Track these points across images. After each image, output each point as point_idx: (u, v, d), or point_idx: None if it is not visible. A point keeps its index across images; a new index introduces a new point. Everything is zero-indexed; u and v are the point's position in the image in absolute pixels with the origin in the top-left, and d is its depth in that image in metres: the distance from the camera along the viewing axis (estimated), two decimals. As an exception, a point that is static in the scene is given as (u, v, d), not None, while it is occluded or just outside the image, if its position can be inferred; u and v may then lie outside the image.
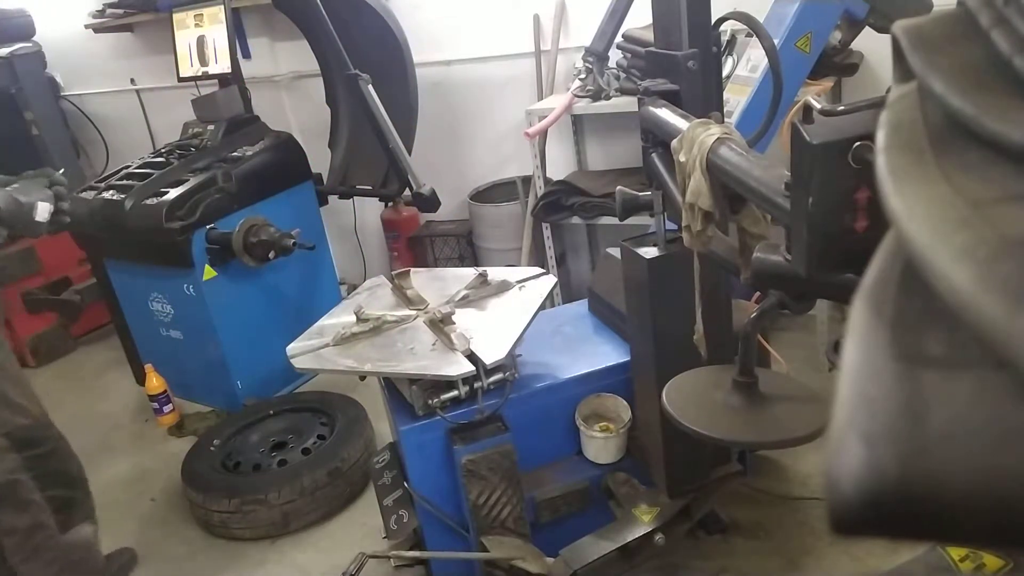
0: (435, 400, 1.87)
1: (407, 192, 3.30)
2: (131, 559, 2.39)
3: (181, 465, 2.63)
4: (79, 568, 1.81)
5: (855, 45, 2.38)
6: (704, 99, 1.46)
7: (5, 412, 1.65)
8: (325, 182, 3.60)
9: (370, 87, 3.11)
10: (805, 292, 1.10)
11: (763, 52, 1.40)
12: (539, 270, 2.31)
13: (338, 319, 2.17)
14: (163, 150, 3.19)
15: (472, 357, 1.84)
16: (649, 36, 1.96)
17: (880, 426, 0.30)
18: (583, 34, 3.02)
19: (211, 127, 3.15)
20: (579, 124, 3.46)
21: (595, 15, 2.77)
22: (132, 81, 4.45)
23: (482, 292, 2.18)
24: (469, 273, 2.28)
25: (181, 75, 3.29)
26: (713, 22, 1.47)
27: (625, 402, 2.03)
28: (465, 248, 3.69)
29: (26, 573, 1.71)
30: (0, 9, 4.10)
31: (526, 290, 2.17)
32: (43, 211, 1.64)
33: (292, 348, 2.07)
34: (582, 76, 2.89)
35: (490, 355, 1.83)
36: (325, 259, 3.44)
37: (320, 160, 3.60)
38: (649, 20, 1.64)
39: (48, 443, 1.74)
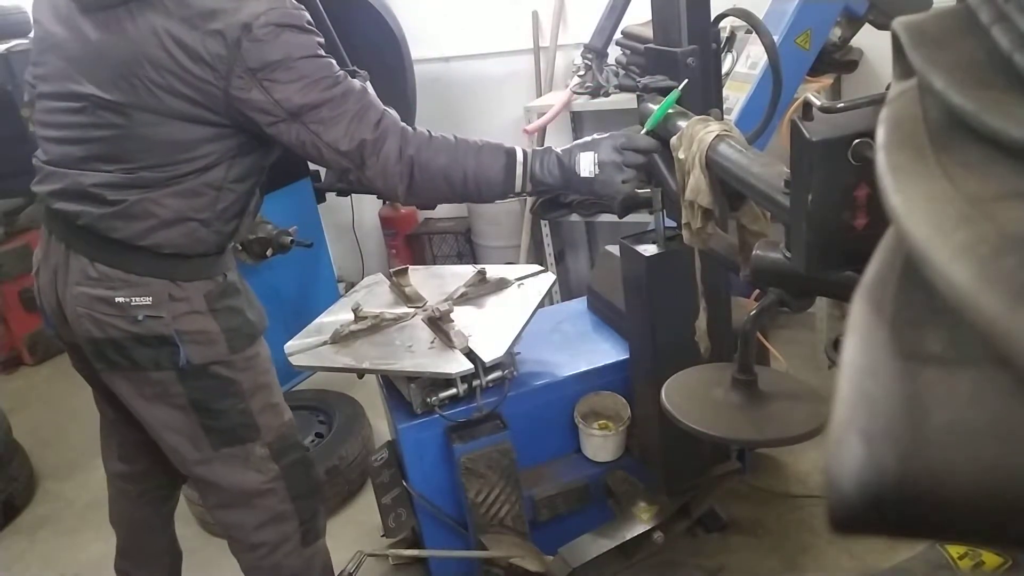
0: (433, 398, 1.87)
1: (406, 189, 3.29)
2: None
3: (179, 463, 2.62)
4: None
5: (855, 42, 2.37)
6: (703, 96, 1.46)
7: (270, 418, 1.59)
8: (323, 179, 3.60)
9: (368, 83, 3.10)
10: (805, 290, 1.10)
11: (763, 49, 1.40)
12: (538, 268, 2.31)
13: (336, 317, 2.17)
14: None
15: (470, 355, 1.84)
16: (648, 33, 1.96)
17: (880, 424, 0.30)
18: (582, 31, 3.01)
19: (209, 124, 3.14)
20: (578, 121, 3.46)
21: (594, 11, 2.77)
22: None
23: (480, 290, 2.18)
24: (467, 271, 2.27)
25: (179, 72, 3.27)
26: (712, 19, 1.47)
27: (624, 400, 2.03)
28: (463, 245, 3.69)
29: None
30: (-3, 6, 4.09)
31: (525, 288, 2.17)
32: (587, 164, 1.43)
33: (290, 346, 2.07)
34: (581, 73, 2.89)
35: (489, 353, 1.83)
36: (323, 257, 3.43)
37: (318, 157, 3.59)
38: (648, 16, 1.64)
39: (297, 451, 1.67)
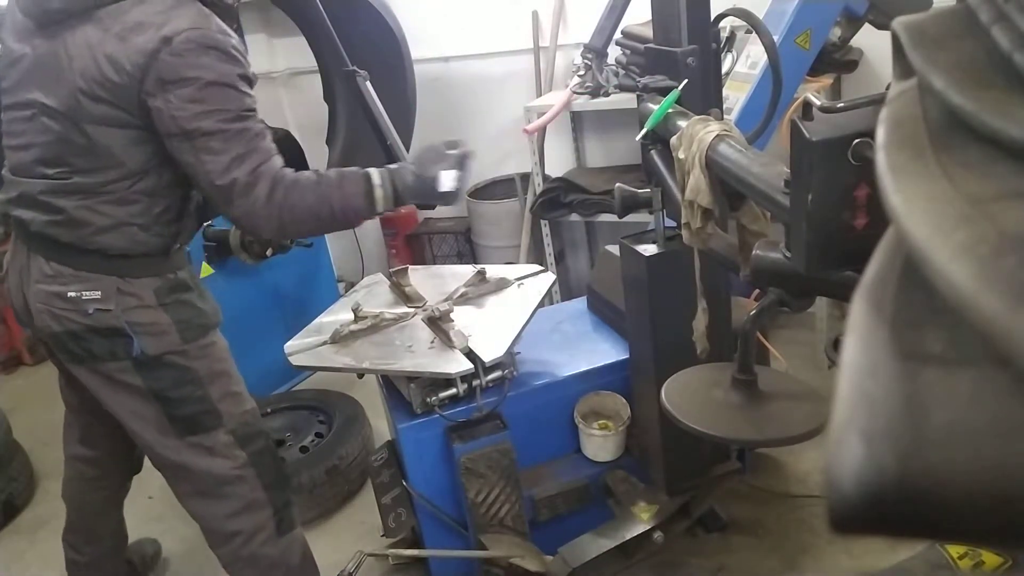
0: (433, 398, 1.87)
1: (405, 189, 3.29)
2: (156, 552, 2.39)
3: (179, 463, 2.62)
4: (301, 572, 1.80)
5: (855, 42, 2.38)
6: (703, 96, 1.46)
7: (231, 406, 1.66)
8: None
9: (368, 83, 3.10)
10: (805, 290, 1.10)
11: (762, 49, 1.40)
12: (538, 267, 2.31)
13: (336, 317, 2.17)
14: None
15: (470, 355, 1.84)
16: (648, 32, 1.96)
17: (880, 424, 0.30)
18: (582, 30, 3.01)
19: (209, 124, 3.13)
20: (578, 121, 3.46)
21: (594, 11, 2.77)
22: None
23: (480, 289, 2.18)
24: (467, 270, 2.27)
25: (179, 72, 3.27)
26: (712, 18, 1.47)
27: (624, 400, 2.03)
28: (463, 245, 3.69)
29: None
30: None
31: (525, 287, 2.17)
32: (447, 180, 1.60)
33: (290, 346, 2.07)
34: (581, 73, 2.89)
35: (488, 353, 1.83)
36: (323, 257, 3.43)
37: (318, 157, 3.59)
38: (648, 16, 1.64)
39: (262, 439, 1.73)
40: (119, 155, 1.46)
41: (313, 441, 2.62)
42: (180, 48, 1.37)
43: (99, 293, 1.52)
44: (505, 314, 2.02)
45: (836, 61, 2.46)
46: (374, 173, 1.58)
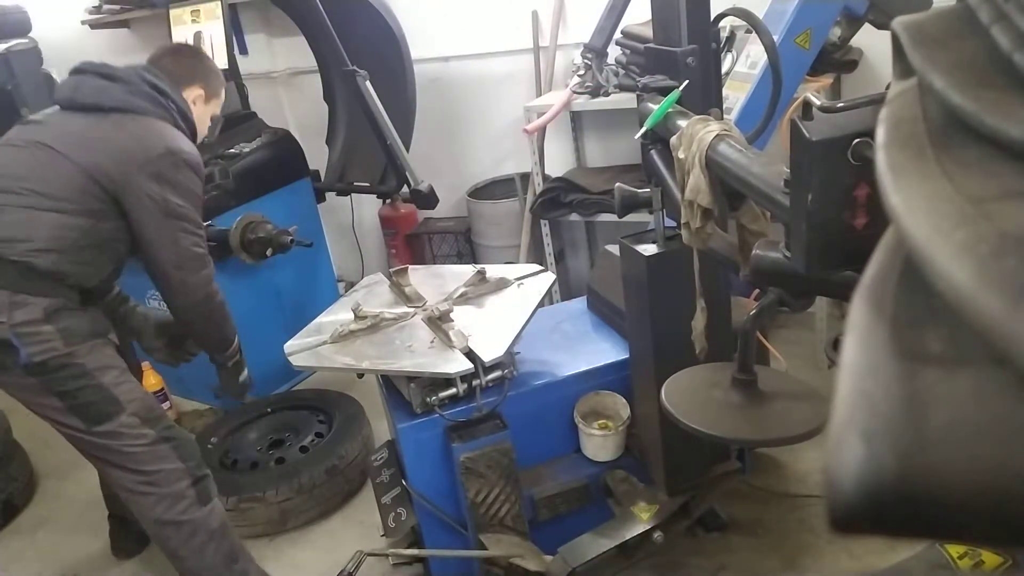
0: (433, 398, 1.87)
1: (405, 189, 3.29)
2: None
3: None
4: (222, 536, 1.93)
5: (855, 41, 2.37)
6: (703, 96, 1.46)
7: (127, 392, 1.81)
8: (323, 179, 3.59)
9: (368, 83, 3.10)
10: (804, 289, 1.10)
11: (762, 48, 1.40)
12: (538, 267, 2.30)
13: (336, 316, 2.17)
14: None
15: (470, 355, 1.84)
16: (648, 32, 1.96)
17: (880, 423, 0.30)
18: (582, 30, 3.01)
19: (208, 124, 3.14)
20: (578, 120, 3.46)
21: (594, 11, 2.77)
22: (129, 78, 4.44)
23: (480, 289, 2.17)
24: (467, 270, 2.27)
25: (178, 72, 3.28)
26: (712, 18, 1.47)
27: (624, 400, 2.03)
28: (463, 245, 3.69)
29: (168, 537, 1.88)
30: (-4, 6, 4.10)
31: (524, 287, 2.17)
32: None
33: (290, 345, 2.07)
34: (581, 72, 2.89)
35: (488, 352, 1.83)
36: (323, 256, 3.43)
37: (318, 157, 3.59)
38: (648, 16, 1.64)
39: (169, 422, 1.92)
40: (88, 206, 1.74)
41: (313, 441, 2.62)
42: (182, 160, 1.81)
43: None
44: (505, 314, 2.02)
45: (836, 61, 2.45)
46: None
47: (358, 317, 2.05)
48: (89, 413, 1.76)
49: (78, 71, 1.86)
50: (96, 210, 1.75)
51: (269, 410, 2.83)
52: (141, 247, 1.83)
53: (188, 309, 1.91)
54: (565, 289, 3.58)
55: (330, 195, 3.65)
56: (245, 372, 2.23)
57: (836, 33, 2.21)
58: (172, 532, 1.87)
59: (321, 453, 2.52)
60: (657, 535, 1.91)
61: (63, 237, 1.72)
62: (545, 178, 3.22)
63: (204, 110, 2.04)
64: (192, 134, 1.96)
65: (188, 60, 2.02)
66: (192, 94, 1.99)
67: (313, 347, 2.03)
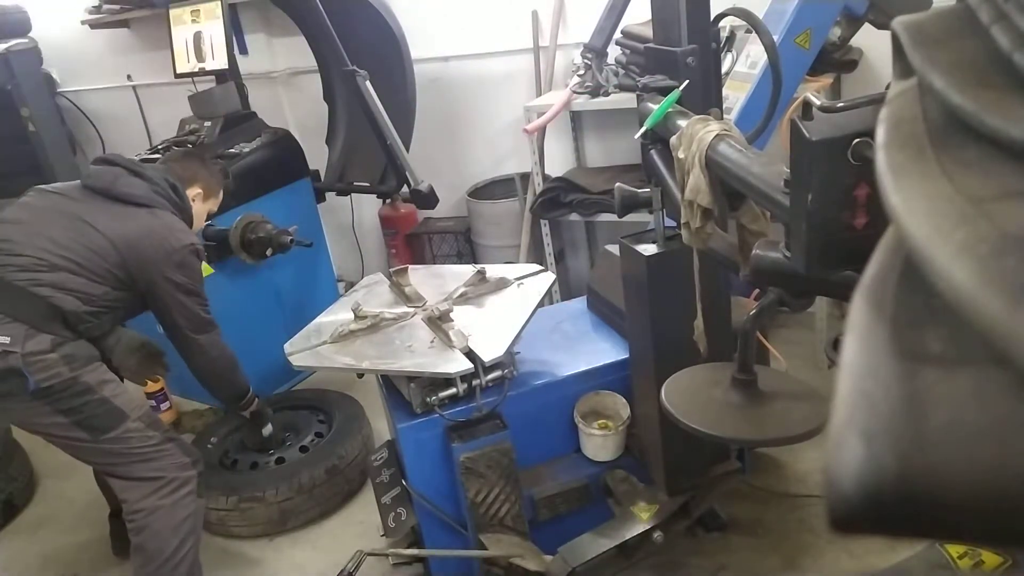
0: (433, 398, 1.87)
1: (405, 189, 3.29)
2: None
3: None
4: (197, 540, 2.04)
5: (854, 41, 2.37)
6: (703, 95, 1.46)
7: (127, 401, 1.95)
8: (323, 179, 3.59)
9: (368, 83, 3.10)
10: (804, 289, 1.10)
11: (762, 48, 1.40)
12: (537, 267, 2.30)
13: (336, 316, 2.17)
14: (160, 147, 3.18)
15: (470, 354, 1.84)
16: (648, 32, 1.96)
17: (880, 423, 0.30)
18: (582, 30, 3.01)
19: (208, 123, 3.14)
20: (578, 120, 3.46)
21: (594, 11, 2.77)
22: (129, 77, 4.44)
23: (480, 289, 2.17)
24: (467, 270, 2.27)
25: (178, 71, 3.27)
26: (712, 18, 1.47)
27: (624, 399, 2.03)
28: (463, 245, 3.69)
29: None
30: (-4, 5, 4.10)
31: (524, 287, 2.17)
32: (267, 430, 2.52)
33: (290, 345, 2.07)
34: (581, 72, 2.89)
35: (488, 352, 1.83)
36: (323, 256, 3.43)
37: (317, 157, 3.59)
38: (648, 16, 1.64)
39: (168, 429, 2.09)
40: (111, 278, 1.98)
41: (313, 441, 2.62)
42: (194, 251, 2.09)
43: (8, 338, 1.79)
44: (505, 314, 2.02)
45: (836, 61, 2.45)
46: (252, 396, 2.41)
47: (358, 317, 2.05)
48: (95, 425, 1.89)
49: (109, 162, 2.13)
50: (116, 283, 2.00)
51: (270, 410, 2.83)
52: (165, 319, 2.11)
53: (207, 364, 2.18)
54: (565, 289, 3.58)
55: (330, 195, 3.65)
56: (269, 427, 2.51)
57: (836, 33, 2.21)
58: (168, 512, 1.95)
59: (321, 453, 2.52)
60: (657, 535, 1.91)
61: (88, 293, 1.93)
62: (545, 178, 3.22)
63: (202, 207, 2.35)
64: (189, 226, 2.25)
65: (193, 164, 2.35)
66: (192, 192, 2.29)
67: (313, 347, 2.03)
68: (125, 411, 1.92)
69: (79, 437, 1.89)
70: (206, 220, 2.44)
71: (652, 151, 1.51)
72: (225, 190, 2.50)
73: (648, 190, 1.57)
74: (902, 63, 0.41)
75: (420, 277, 2.34)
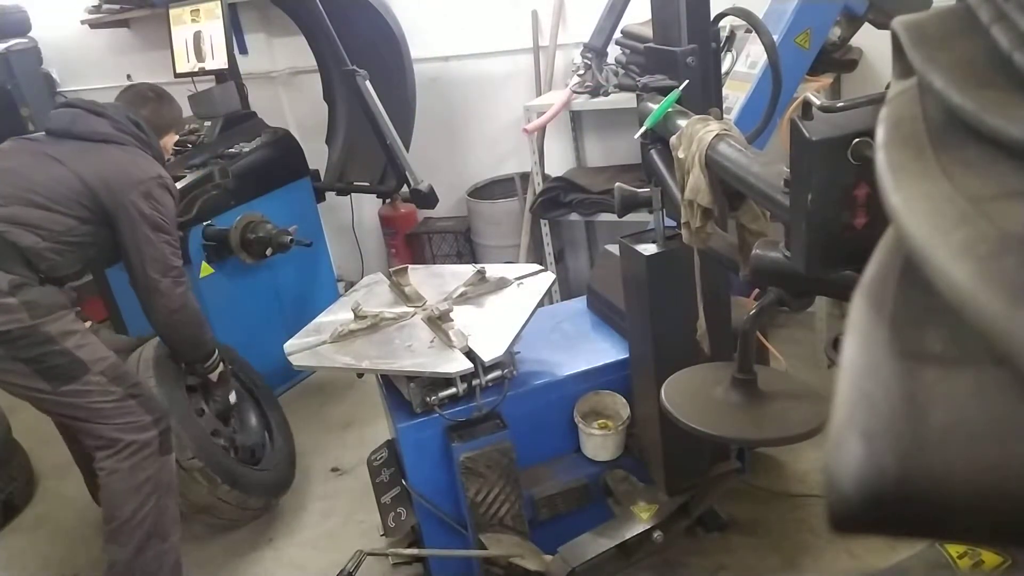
0: (433, 397, 1.87)
1: (405, 189, 3.29)
2: None
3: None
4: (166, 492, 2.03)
5: (854, 41, 2.37)
6: (703, 95, 1.46)
7: (91, 353, 1.93)
8: (323, 178, 3.59)
9: (368, 83, 3.10)
10: (804, 289, 1.10)
11: (762, 48, 1.40)
12: (537, 267, 2.30)
13: (336, 316, 2.17)
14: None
15: (470, 354, 1.84)
16: (648, 32, 1.96)
17: (880, 423, 0.30)
18: (582, 30, 3.01)
19: (208, 123, 3.14)
20: (578, 120, 3.46)
21: (594, 11, 2.77)
22: (128, 77, 4.44)
23: (480, 289, 2.17)
24: (467, 270, 2.27)
25: (177, 71, 3.28)
26: (712, 18, 1.47)
27: (624, 399, 2.03)
28: (463, 245, 3.69)
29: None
30: (-4, 5, 4.10)
31: (524, 287, 2.17)
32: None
33: (289, 345, 2.07)
34: (581, 72, 2.89)
35: (488, 352, 1.83)
36: (322, 256, 3.43)
37: (318, 156, 3.59)
38: (648, 16, 1.64)
39: (133, 378, 2.04)
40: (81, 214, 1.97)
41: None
42: (164, 184, 2.08)
43: None
44: (505, 314, 2.02)
45: (836, 60, 2.46)
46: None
47: (358, 317, 2.05)
48: (55, 375, 1.87)
49: (70, 105, 2.12)
50: (83, 215, 1.97)
51: (235, 380, 2.74)
52: (129, 257, 2.04)
53: (169, 314, 2.10)
54: (565, 289, 3.58)
55: (330, 195, 3.65)
56: (233, 393, 2.44)
57: (836, 33, 2.21)
58: (125, 476, 1.94)
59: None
60: (657, 535, 1.91)
61: (49, 228, 1.90)
62: (545, 178, 3.23)
63: (169, 141, 2.38)
64: (161, 164, 2.22)
65: (165, 109, 2.34)
66: (169, 141, 2.36)
67: (313, 347, 2.03)
68: (87, 363, 1.90)
69: (39, 387, 1.87)
70: (170, 153, 2.46)
71: (652, 151, 1.51)
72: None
73: (648, 190, 1.57)
74: (902, 63, 0.41)
75: (420, 277, 2.34)
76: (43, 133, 2.12)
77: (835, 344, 2.30)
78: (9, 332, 1.80)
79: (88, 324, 2.08)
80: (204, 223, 2.83)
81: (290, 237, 2.85)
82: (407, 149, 3.28)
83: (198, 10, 3.14)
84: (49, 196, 1.92)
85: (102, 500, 1.97)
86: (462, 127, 3.74)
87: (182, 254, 2.17)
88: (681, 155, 1.22)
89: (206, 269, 2.86)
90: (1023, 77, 0.35)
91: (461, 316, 2.00)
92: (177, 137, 2.47)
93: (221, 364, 2.34)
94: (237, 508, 2.34)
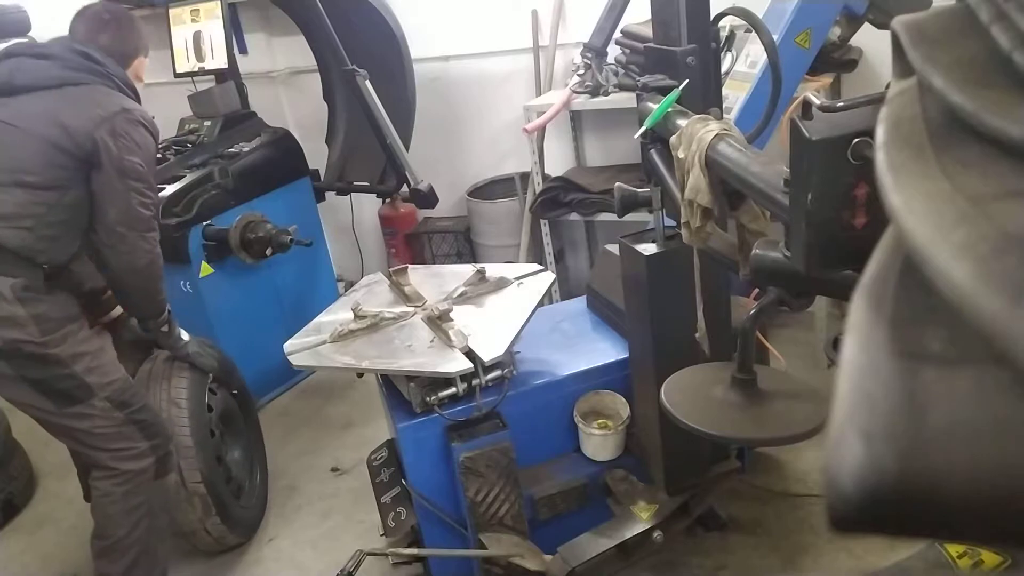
0: (433, 397, 1.87)
1: (405, 188, 3.29)
2: None
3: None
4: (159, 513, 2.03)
5: (854, 41, 2.37)
6: (703, 95, 1.46)
7: (99, 377, 1.88)
8: (322, 178, 3.60)
9: (367, 83, 3.10)
10: (804, 289, 1.10)
11: (762, 48, 1.40)
12: (537, 267, 2.30)
13: (335, 316, 2.17)
14: (159, 146, 3.18)
15: (470, 354, 1.84)
16: (648, 32, 1.96)
17: (879, 423, 0.30)
18: (581, 30, 3.01)
19: (207, 123, 3.14)
20: (578, 120, 3.46)
21: (594, 11, 2.77)
22: (129, 77, 4.44)
23: (480, 289, 2.17)
24: (467, 270, 2.27)
25: (177, 71, 3.28)
26: (712, 18, 1.47)
27: (623, 399, 2.03)
28: (463, 245, 3.69)
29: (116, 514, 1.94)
30: (-4, 5, 4.09)
31: (524, 287, 2.17)
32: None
33: (289, 345, 2.07)
34: (580, 72, 2.89)
35: (488, 352, 1.83)
36: (322, 256, 3.43)
37: (318, 156, 3.59)
38: (648, 16, 1.64)
39: (138, 402, 1.97)
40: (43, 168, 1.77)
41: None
42: (133, 118, 1.87)
43: None
44: (505, 313, 2.02)
45: (836, 60, 2.46)
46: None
47: (358, 316, 2.05)
48: (60, 395, 1.83)
49: (8, 55, 1.89)
50: (62, 181, 1.78)
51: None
52: (92, 204, 1.83)
53: (129, 272, 1.90)
54: (565, 289, 3.58)
55: (330, 195, 3.65)
56: (185, 333, 2.22)
57: (836, 33, 2.21)
58: (118, 500, 1.93)
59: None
60: (657, 535, 1.91)
61: (31, 214, 1.75)
62: (545, 177, 3.23)
63: (140, 65, 2.09)
64: (133, 93, 1.99)
65: (127, 32, 2.04)
66: (140, 68, 2.07)
67: (313, 347, 2.03)
68: (93, 387, 1.85)
69: (43, 406, 1.83)
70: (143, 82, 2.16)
71: (652, 151, 1.51)
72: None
73: (648, 190, 1.57)
74: (902, 63, 0.41)
75: (420, 277, 2.34)
76: None
77: (835, 344, 2.30)
78: (19, 349, 1.73)
79: (103, 321, 2.04)
80: (204, 223, 2.83)
81: (290, 237, 2.85)
82: (407, 149, 3.28)
83: (198, 10, 3.14)
84: (18, 168, 1.72)
85: (94, 516, 1.96)
86: (462, 127, 3.74)
87: (160, 216, 2.00)
88: (681, 155, 1.22)
89: (206, 269, 2.86)
90: (1023, 77, 0.35)
91: (461, 316, 2.00)
92: (147, 62, 2.12)
93: (170, 318, 2.14)
94: (216, 541, 2.32)
